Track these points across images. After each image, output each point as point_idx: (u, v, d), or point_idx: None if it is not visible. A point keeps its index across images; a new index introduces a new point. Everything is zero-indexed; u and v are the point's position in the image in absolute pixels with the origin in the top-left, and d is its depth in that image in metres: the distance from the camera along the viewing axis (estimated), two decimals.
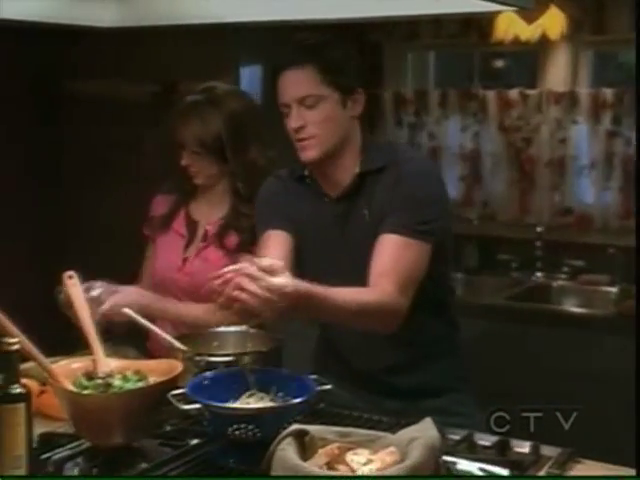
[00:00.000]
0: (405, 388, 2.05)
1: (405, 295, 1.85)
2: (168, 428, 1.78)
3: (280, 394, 1.69)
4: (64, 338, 1.83)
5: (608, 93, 3.77)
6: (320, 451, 1.43)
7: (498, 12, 3.06)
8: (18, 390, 1.52)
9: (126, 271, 2.31)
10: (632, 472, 1.55)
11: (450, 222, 2.06)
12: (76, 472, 1.60)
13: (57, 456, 1.64)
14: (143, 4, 2.25)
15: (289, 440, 1.45)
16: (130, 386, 1.69)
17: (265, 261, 1.68)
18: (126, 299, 2.07)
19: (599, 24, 3.73)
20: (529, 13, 3.50)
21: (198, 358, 1.82)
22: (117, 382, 1.70)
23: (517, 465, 1.63)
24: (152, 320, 2.04)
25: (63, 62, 4.11)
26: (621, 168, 3.75)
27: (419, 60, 4.43)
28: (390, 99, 4.24)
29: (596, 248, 3.80)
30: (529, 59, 4.19)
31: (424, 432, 1.49)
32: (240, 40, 3.71)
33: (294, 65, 1.94)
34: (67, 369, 1.72)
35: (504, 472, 1.61)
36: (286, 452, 1.41)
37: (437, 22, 4.00)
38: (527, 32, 3.63)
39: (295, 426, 1.49)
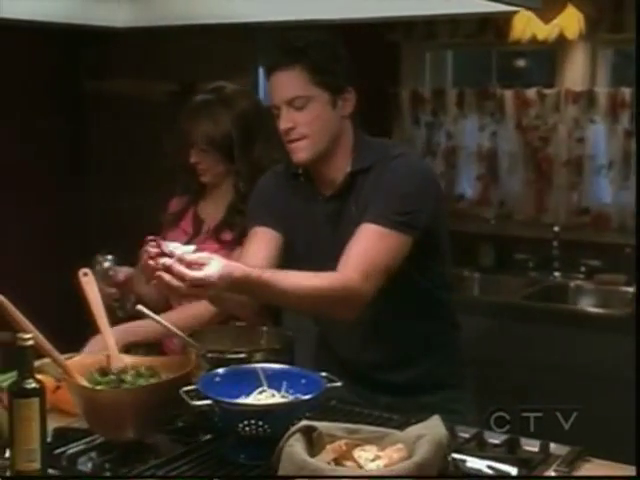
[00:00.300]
0: (397, 384, 2.07)
1: (369, 281, 1.84)
2: (180, 424, 1.80)
3: (291, 391, 1.70)
4: (79, 334, 1.86)
5: (626, 92, 3.75)
6: (328, 447, 1.45)
7: (515, 12, 3.05)
8: (32, 385, 1.55)
9: None
10: (632, 472, 1.55)
11: (441, 219, 2.03)
12: (89, 466, 1.63)
13: (71, 451, 1.67)
14: (157, 4, 2.27)
15: (297, 436, 1.47)
16: (143, 382, 1.72)
17: (189, 256, 1.70)
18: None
19: (617, 23, 3.71)
20: (546, 12, 3.49)
21: (210, 355, 1.84)
22: (130, 378, 1.73)
23: (525, 463, 1.64)
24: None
25: (84, 62, 4.15)
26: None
27: (437, 59, 4.43)
28: (408, 98, 4.25)
29: (613, 248, 3.78)
30: (547, 58, 4.18)
31: (432, 429, 1.51)
32: (258, 40, 3.72)
33: (282, 66, 1.95)
34: (81, 365, 1.75)
35: (513, 470, 1.62)
36: (294, 448, 1.43)
37: (454, 22, 3.99)
38: (544, 31, 3.62)
39: (304, 422, 1.50)
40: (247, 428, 1.59)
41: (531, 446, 1.72)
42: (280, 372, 1.75)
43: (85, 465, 1.63)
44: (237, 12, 2.33)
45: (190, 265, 1.68)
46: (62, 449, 1.67)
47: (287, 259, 2.06)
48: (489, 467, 1.62)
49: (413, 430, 1.52)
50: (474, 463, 1.63)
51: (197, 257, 1.70)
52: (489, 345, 3.38)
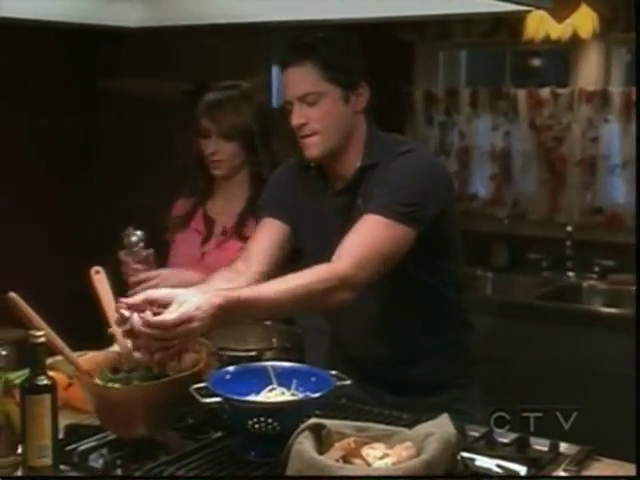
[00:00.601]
0: (404, 382, 2.07)
1: (361, 269, 1.82)
2: (190, 421, 1.81)
3: (300, 389, 1.71)
4: (91, 331, 1.87)
5: None
6: (336, 445, 1.45)
7: (528, 11, 3.04)
8: (44, 382, 1.56)
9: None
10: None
11: (451, 217, 2.03)
12: (100, 463, 1.64)
13: (82, 447, 1.68)
14: (169, 4, 2.28)
15: (306, 434, 1.47)
16: (154, 379, 1.73)
17: (157, 293, 1.66)
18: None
19: (631, 22, 3.69)
20: (560, 12, 3.49)
21: (221, 353, 1.85)
22: (141, 375, 1.73)
23: (535, 462, 1.64)
24: None
25: (97, 62, 4.18)
26: None
27: (450, 59, 4.43)
28: (421, 98, 4.24)
29: (627, 248, 3.75)
30: (561, 58, 4.17)
31: (440, 428, 1.51)
32: (272, 38, 3.73)
33: (294, 63, 1.96)
34: (93, 362, 1.76)
35: (522, 469, 1.62)
36: (302, 445, 1.44)
37: (468, 21, 3.99)
38: (558, 31, 3.61)
39: (313, 420, 1.51)
40: (257, 425, 1.60)
41: (541, 445, 1.72)
42: (290, 370, 1.76)
43: (96, 461, 1.64)
44: (249, 12, 2.34)
45: (161, 305, 1.62)
46: (74, 445, 1.68)
47: (296, 252, 2.06)
48: (498, 466, 1.62)
49: (422, 428, 1.53)
50: (483, 462, 1.63)
51: (167, 293, 1.64)
52: (502, 345, 3.37)
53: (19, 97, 3.95)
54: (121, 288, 2.00)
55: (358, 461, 1.44)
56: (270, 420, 1.59)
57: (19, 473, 1.59)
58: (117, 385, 1.70)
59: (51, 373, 1.62)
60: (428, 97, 4.23)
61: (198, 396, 1.64)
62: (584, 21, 3.60)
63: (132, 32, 2.43)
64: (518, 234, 4.08)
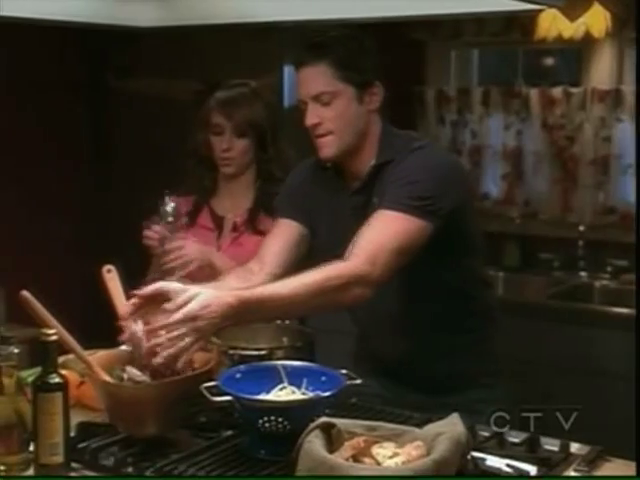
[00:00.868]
0: (426, 381, 2.06)
1: (376, 264, 1.80)
2: (201, 419, 1.81)
3: (311, 388, 1.71)
4: (103, 330, 1.88)
5: None
6: (346, 444, 1.46)
7: (540, 10, 3.03)
8: (56, 380, 1.57)
9: None
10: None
11: (467, 212, 2.02)
12: (111, 461, 1.64)
13: (93, 445, 1.69)
14: (182, 4, 2.29)
15: (317, 432, 1.48)
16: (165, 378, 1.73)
17: (167, 287, 1.68)
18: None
19: None
20: (572, 11, 3.47)
21: (232, 351, 1.86)
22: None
23: (545, 462, 1.63)
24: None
25: (111, 62, 4.19)
26: None
27: (462, 58, 4.42)
28: (433, 97, 4.24)
29: None
30: (573, 57, 4.16)
31: (450, 427, 1.51)
32: (283, 39, 3.73)
33: (308, 62, 1.97)
34: (104, 360, 1.76)
35: (532, 469, 1.62)
36: (312, 444, 1.44)
37: (480, 20, 3.98)
38: (570, 30, 3.60)
39: (323, 419, 1.51)
40: (267, 424, 1.60)
41: (551, 445, 1.71)
42: (301, 369, 1.76)
43: (107, 459, 1.65)
44: (260, 11, 2.35)
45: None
46: (85, 443, 1.69)
47: (313, 252, 2.08)
48: (508, 466, 1.62)
49: (432, 428, 1.53)
50: (493, 462, 1.63)
51: (178, 288, 1.66)
52: (513, 344, 3.36)
53: (32, 97, 3.97)
54: (132, 287, 2.01)
55: (368, 460, 1.44)
56: (280, 419, 1.60)
57: (31, 470, 1.60)
58: (128, 383, 1.71)
59: (63, 371, 1.63)
60: (440, 96, 4.23)
61: (209, 395, 1.65)
62: (597, 20, 3.58)
63: (144, 32, 2.44)
64: (530, 234, 4.08)
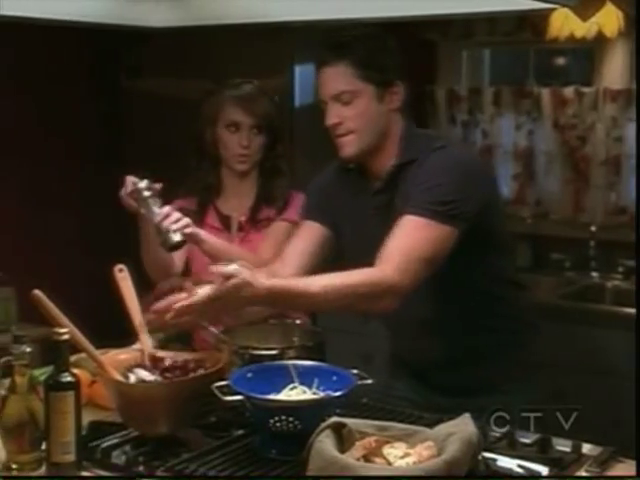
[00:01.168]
0: (452, 384, 2.04)
1: (405, 273, 1.81)
2: (213, 419, 1.82)
3: (322, 388, 1.71)
4: (114, 329, 1.88)
5: None
6: (357, 444, 1.46)
7: (552, 9, 3.02)
8: (68, 379, 1.58)
9: None
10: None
11: (493, 211, 2.00)
12: (123, 460, 1.65)
13: (105, 444, 1.69)
14: (193, 4, 2.29)
15: (328, 432, 1.48)
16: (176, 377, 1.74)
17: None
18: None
19: None
20: (584, 10, 3.46)
21: (243, 351, 1.86)
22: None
23: (557, 463, 1.63)
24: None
25: (122, 61, 4.20)
26: None
27: (474, 58, 4.41)
28: (444, 97, 4.23)
29: None
30: (585, 56, 4.15)
31: (462, 427, 1.51)
32: (294, 39, 3.74)
33: (329, 62, 1.97)
34: (115, 360, 1.77)
35: (544, 470, 1.61)
36: (323, 444, 1.44)
37: (492, 20, 3.97)
38: (582, 29, 3.58)
39: (334, 419, 1.51)
40: (278, 424, 1.61)
41: (563, 446, 1.71)
42: (311, 369, 1.76)
43: (119, 458, 1.66)
44: (272, 11, 2.34)
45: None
46: (97, 442, 1.69)
47: (337, 253, 2.09)
48: (520, 466, 1.62)
49: (443, 428, 1.53)
50: (505, 462, 1.63)
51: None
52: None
53: (43, 96, 3.98)
54: (144, 286, 2.01)
55: (379, 460, 1.44)
56: (291, 418, 1.60)
57: (43, 469, 1.60)
58: (139, 382, 1.71)
59: (75, 370, 1.64)
60: (451, 96, 4.22)
61: (220, 394, 1.65)
62: (609, 19, 3.57)
63: (156, 32, 2.44)
64: (541, 234, 4.06)
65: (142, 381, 1.72)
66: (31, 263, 3.80)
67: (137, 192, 2.18)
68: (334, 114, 1.98)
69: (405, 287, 1.83)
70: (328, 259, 2.12)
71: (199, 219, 2.46)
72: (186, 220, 2.14)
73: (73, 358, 1.69)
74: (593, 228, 3.88)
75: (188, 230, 2.13)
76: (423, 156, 1.96)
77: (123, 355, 1.82)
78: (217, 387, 1.66)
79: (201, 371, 1.74)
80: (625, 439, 1.71)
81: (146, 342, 1.83)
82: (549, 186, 4.04)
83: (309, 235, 2.12)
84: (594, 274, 3.89)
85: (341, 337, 2.19)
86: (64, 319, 1.65)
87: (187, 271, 2.49)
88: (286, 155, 2.50)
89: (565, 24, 3.59)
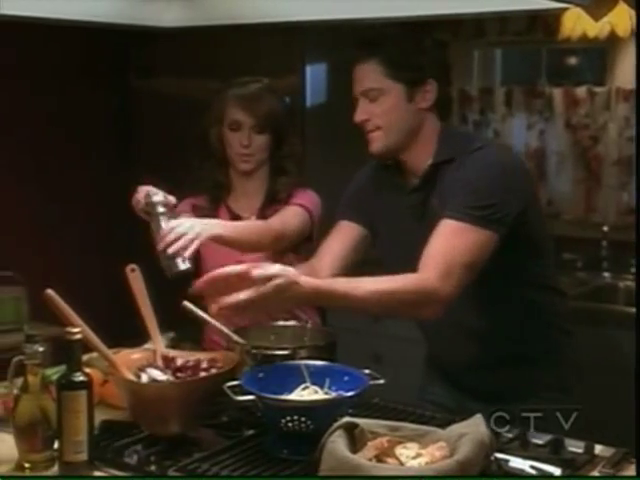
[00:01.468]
0: (486, 389, 2.02)
1: (448, 280, 1.80)
2: (224, 419, 1.82)
3: (333, 388, 1.72)
4: (127, 329, 1.89)
5: None
6: (370, 444, 1.45)
7: (564, 9, 3.01)
8: (80, 378, 1.58)
9: None
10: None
11: (533, 213, 1.98)
12: (134, 459, 1.65)
13: (117, 443, 1.69)
14: (204, 4, 2.29)
15: (340, 432, 1.48)
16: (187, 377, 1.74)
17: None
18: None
19: None
20: (597, 9, 3.45)
21: (255, 351, 1.86)
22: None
23: (570, 464, 1.62)
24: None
25: (133, 61, 4.21)
26: None
27: (485, 58, 4.40)
28: (455, 97, 4.21)
29: None
30: (597, 56, 4.13)
31: (474, 428, 1.50)
32: (306, 38, 3.74)
33: (360, 59, 2.00)
34: (127, 359, 1.78)
35: (556, 471, 1.61)
36: (336, 444, 1.44)
37: (503, 20, 3.96)
38: (594, 29, 3.57)
39: (346, 419, 1.51)
40: (290, 424, 1.61)
41: (575, 447, 1.70)
42: (323, 369, 1.76)
43: (131, 458, 1.65)
44: (283, 11, 2.34)
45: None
46: (108, 441, 1.70)
47: (373, 252, 2.10)
48: (532, 467, 1.61)
49: (455, 429, 1.52)
50: (517, 463, 1.62)
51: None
52: None
53: (55, 96, 3.99)
54: (156, 286, 2.01)
55: (391, 460, 1.44)
56: (303, 418, 1.60)
57: (55, 468, 1.61)
58: (151, 382, 1.71)
59: (87, 370, 1.64)
60: (462, 96, 4.21)
61: (232, 394, 1.65)
62: (622, 19, 3.55)
63: (166, 32, 2.44)
64: (553, 234, 3.97)
65: (154, 381, 1.72)
66: (43, 262, 3.81)
67: (150, 206, 2.10)
68: (363, 111, 2.00)
69: (448, 295, 1.82)
70: (364, 258, 2.13)
71: (212, 217, 2.46)
72: (195, 243, 2.03)
73: (85, 357, 1.69)
74: (605, 228, 3.86)
75: (196, 245, 2.05)
76: (462, 157, 1.95)
77: (135, 354, 1.82)
78: (229, 387, 1.66)
79: (213, 371, 1.74)
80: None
81: (158, 342, 1.83)
82: (561, 186, 4.03)
83: (344, 236, 2.12)
84: (606, 274, 3.87)
85: (351, 337, 2.18)
86: (76, 318, 1.65)
87: (197, 270, 2.49)
88: (296, 155, 2.48)
89: (577, 24, 3.57)
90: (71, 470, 1.58)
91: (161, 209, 2.09)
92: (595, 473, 1.62)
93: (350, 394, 1.65)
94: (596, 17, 3.53)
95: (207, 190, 2.50)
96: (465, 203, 1.87)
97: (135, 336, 1.94)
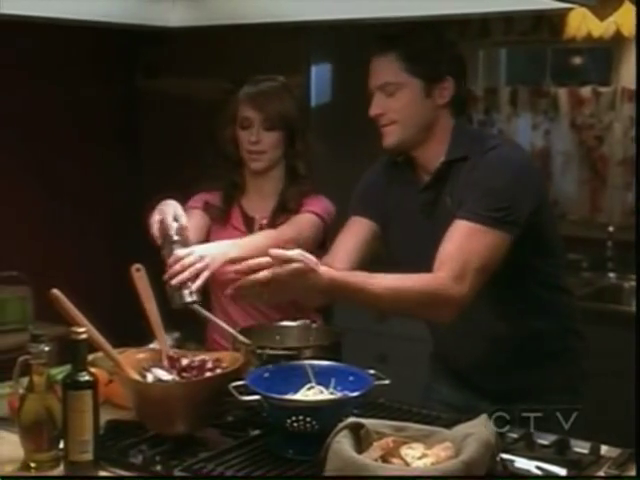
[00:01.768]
0: (494, 389, 2.02)
1: (463, 283, 1.80)
2: (230, 419, 1.82)
3: (339, 388, 1.71)
4: (132, 328, 1.89)
5: None
6: (375, 444, 1.45)
7: (569, 9, 3.01)
8: (85, 378, 1.58)
9: None
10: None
11: (544, 213, 1.98)
12: (140, 459, 1.65)
13: (122, 443, 1.69)
14: (210, 4, 2.29)
15: (345, 433, 1.47)
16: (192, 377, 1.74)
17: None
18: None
19: None
20: (602, 9, 3.45)
21: (260, 351, 1.85)
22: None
23: (575, 464, 1.62)
24: None
25: (140, 61, 4.22)
26: None
27: (490, 57, 4.40)
28: None
29: None
30: (603, 56, 4.12)
31: (479, 428, 1.50)
32: (311, 38, 3.74)
33: (378, 53, 1.99)
34: (133, 359, 1.78)
35: (562, 471, 1.61)
36: (341, 444, 1.44)
37: (508, 19, 3.96)
38: (600, 29, 3.57)
39: (351, 419, 1.51)
40: (295, 424, 1.60)
41: (581, 447, 1.70)
42: (328, 369, 1.76)
43: (136, 457, 1.65)
44: (289, 11, 2.34)
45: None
46: (114, 441, 1.70)
47: (384, 248, 2.10)
48: (538, 468, 1.61)
49: (461, 429, 1.52)
50: (523, 463, 1.62)
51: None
52: None
53: (63, 96, 4.00)
54: (161, 285, 2.01)
55: (396, 461, 1.44)
56: (308, 418, 1.60)
57: (60, 468, 1.61)
58: (156, 382, 1.71)
59: (92, 369, 1.64)
60: (467, 96, 4.19)
61: (237, 394, 1.65)
62: (627, 19, 3.55)
63: (174, 32, 2.44)
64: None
65: (159, 380, 1.72)
66: (48, 262, 3.81)
67: (165, 233, 2.08)
68: (378, 105, 1.99)
69: (463, 297, 1.81)
70: (373, 258, 2.13)
71: (224, 219, 2.44)
72: (204, 275, 2.02)
73: (91, 357, 1.69)
74: (610, 228, 3.86)
75: (205, 278, 2.03)
76: (475, 157, 1.94)
77: (140, 354, 1.82)
78: (234, 387, 1.66)
79: (218, 371, 1.74)
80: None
81: (163, 342, 1.83)
82: (566, 186, 4.03)
83: (357, 232, 2.11)
84: (611, 275, 3.87)
85: (356, 337, 2.17)
86: (82, 318, 1.65)
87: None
88: (306, 154, 2.45)
89: (582, 23, 3.58)
90: (76, 470, 1.58)
91: (175, 237, 2.07)
92: (601, 474, 1.61)
93: (355, 394, 1.65)
94: (601, 17, 3.53)
95: (222, 187, 2.48)
96: (480, 204, 1.86)
97: (140, 336, 1.94)
